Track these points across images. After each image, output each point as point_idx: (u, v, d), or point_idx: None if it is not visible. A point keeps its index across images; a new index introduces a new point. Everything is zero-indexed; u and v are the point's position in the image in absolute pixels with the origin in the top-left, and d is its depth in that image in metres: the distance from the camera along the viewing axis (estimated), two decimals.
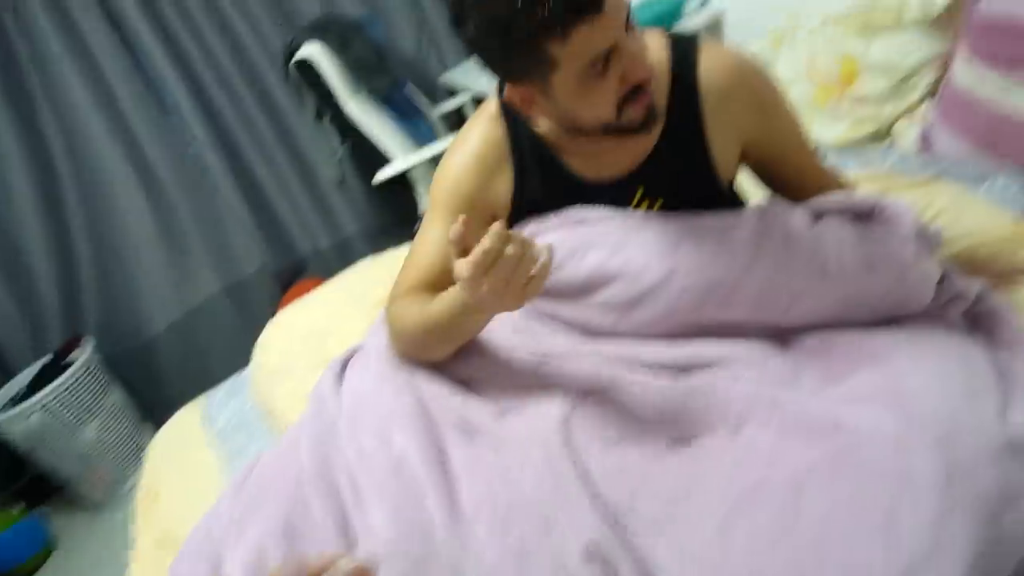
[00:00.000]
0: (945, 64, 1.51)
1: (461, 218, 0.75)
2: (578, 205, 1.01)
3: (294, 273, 3.29)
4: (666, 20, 2.21)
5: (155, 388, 2.88)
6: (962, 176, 1.39)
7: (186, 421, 1.65)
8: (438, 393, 0.98)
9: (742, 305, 0.92)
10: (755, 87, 0.98)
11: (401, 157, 2.56)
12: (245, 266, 3.12)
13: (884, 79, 1.55)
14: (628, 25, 0.81)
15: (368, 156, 2.68)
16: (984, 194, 1.33)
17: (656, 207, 1.03)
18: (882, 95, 1.56)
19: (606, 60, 0.80)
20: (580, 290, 0.97)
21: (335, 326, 1.65)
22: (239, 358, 1.78)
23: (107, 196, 2.72)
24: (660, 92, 0.93)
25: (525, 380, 0.96)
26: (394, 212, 3.29)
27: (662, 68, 0.94)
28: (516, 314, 1.02)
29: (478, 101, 3.02)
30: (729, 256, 0.92)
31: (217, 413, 1.62)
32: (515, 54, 0.80)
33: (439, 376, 1.00)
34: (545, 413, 0.89)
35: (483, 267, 0.73)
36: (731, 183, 1.08)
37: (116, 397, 2.64)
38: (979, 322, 0.99)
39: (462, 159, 1.01)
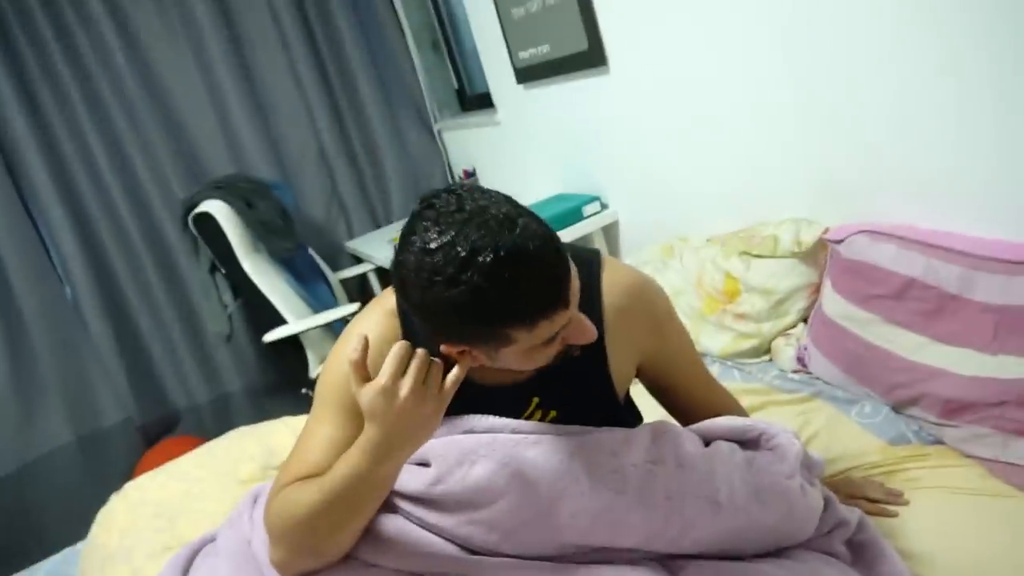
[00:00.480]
0: (816, 292, 1.65)
1: (363, 336, 0.77)
2: (468, 412, 0.97)
3: (164, 428, 3.04)
4: (568, 220, 2.35)
5: None
6: (834, 398, 1.47)
7: None
8: None
9: (632, 533, 0.89)
10: (652, 307, 1.02)
11: (295, 319, 2.48)
12: (106, 416, 2.85)
13: (762, 300, 1.67)
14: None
15: (261, 314, 2.59)
16: (856, 417, 1.40)
17: (549, 417, 1.01)
18: (760, 314, 1.68)
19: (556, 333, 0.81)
20: (464, 503, 0.91)
21: (190, 506, 1.49)
22: (82, 522, 1.56)
23: None
24: None
25: None
26: (282, 373, 3.15)
27: None
28: (389, 526, 0.94)
29: (381, 271, 3.05)
30: (621, 482, 0.89)
31: None
32: (471, 331, 0.78)
33: None
34: None
35: (402, 362, 0.76)
36: (626, 395, 1.09)
37: None
38: (860, 553, 1.01)
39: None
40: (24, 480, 2.62)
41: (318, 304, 2.68)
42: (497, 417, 0.95)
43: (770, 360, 1.70)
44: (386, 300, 0.99)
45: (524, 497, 0.88)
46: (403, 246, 0.76)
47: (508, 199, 0.77)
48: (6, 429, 2.59)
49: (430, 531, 0.93)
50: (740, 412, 1.14)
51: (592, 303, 0.95)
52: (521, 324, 0.76)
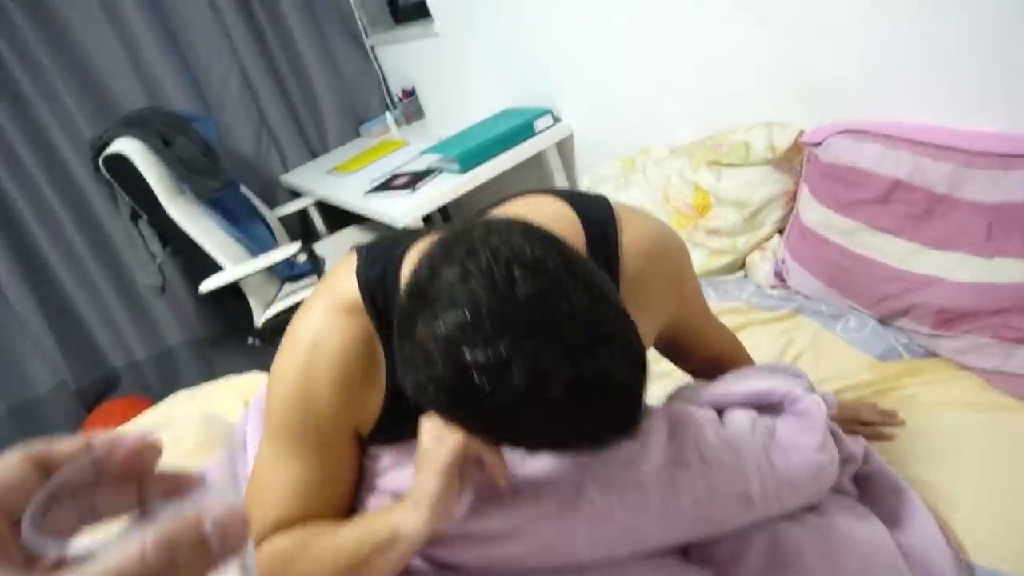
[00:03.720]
0: (792, 201, 1.54)
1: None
2: None
3: (104, 389, 2.85)
4: (518, 136, 2.18)
5: None
6: (818, 313, 1.39)
7: None
8: None
9: (655, 541, 0.78)
10: (675, 267, 0.88)
11: (232, 265, 2.29)
12: (38, 383, 2.65)
13: (735, 213, 1.56)
14: None
15: (195, 262, 2.39)
16: (841, 333, 1.33)
17: None
18: (734, 228, 1.57)
19: None
20: (463, 537, 0.76)
21: None
22: None
23: None
24: None
25: None
26: (225, 322, 2.96)
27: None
28: None
29: (322, 205, 2.84)
30: (642, 497, 0.76)
31: None
32: (482, 435, 0.62)
33: None
34: None
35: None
36: None
37: None
38: (867, 486, 0.95)
39: (320, 373, 0.74)
40: None
41: (256, 246, 2.48)
42: None
43: (745, 276, 1.60)
44: (339, 291, 0.76)
45: (530, 531, 0.74)
46: (423, 307, 0.55)
47: (566, 262, 0.55)
48: None
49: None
50: (743, 352, 1.06)
51: (609, 273, 0.78)
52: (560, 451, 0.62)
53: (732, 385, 0.90)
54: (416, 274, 0.57)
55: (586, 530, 0.74)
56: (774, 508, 0.80)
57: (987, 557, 0.86)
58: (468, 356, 0.51)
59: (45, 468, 0.30)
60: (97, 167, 2.32)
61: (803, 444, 0.83)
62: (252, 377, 1.61)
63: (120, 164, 2.23)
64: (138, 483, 0.32)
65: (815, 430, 0.83)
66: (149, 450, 0.32)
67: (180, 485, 0.33)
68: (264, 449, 0.79)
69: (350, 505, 0.82)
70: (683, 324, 0.93)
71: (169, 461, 0.33)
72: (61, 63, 2.57)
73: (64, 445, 0.31)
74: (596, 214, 0.81)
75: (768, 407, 0.89)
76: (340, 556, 0.71)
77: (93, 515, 0.31)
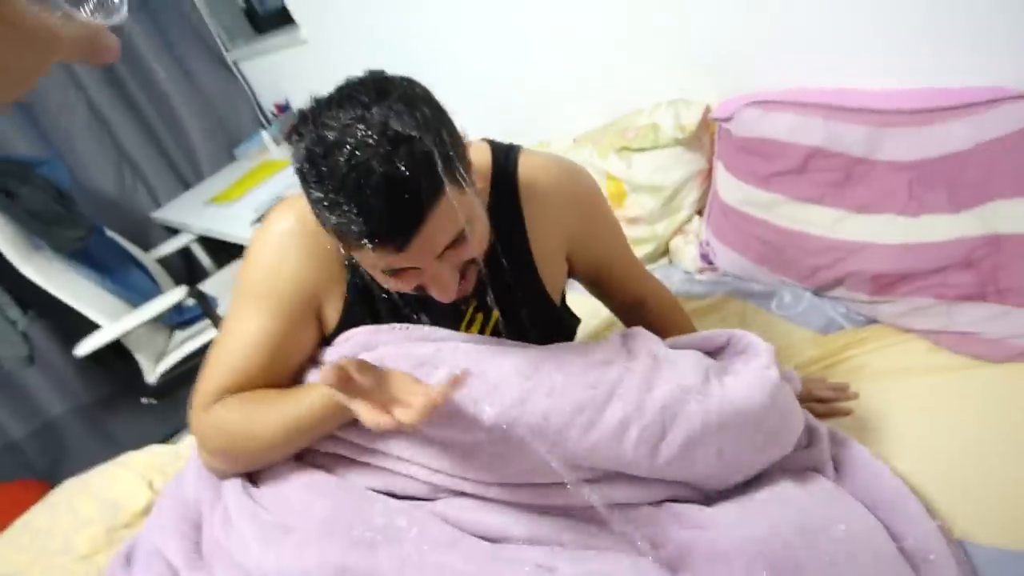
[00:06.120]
0: (707, 179, 1.50)
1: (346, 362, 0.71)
2: (407, 318, 0.92)
3: None
4: None
5: None
6: (750, 294, 1.35)
7: None
8: None
9: (607, 433, 0.78)
10: (575, 187, 0.98)
11: (109, 321, 2.04)
12: None
13: (651, 199, 1.50)
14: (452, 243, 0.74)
15: (66, 322, 2.12)
16: (777, 310, 1.29)
17: (493, 320, 0.96)
18: (652, 214, 1.51)
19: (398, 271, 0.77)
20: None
21: None
22: None
23: None
24: (481, 197, 0.87)
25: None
26: (113, 384, 2.67)
27: (483, 174, 0.92)
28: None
29: (205, 240, 2.60)
30: (595, 377, 0.81)
31: None
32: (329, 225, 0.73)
33: None
34: None
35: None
36: (563, 299, 1.08)
37: None
38: (838, 465, 0.92)
39: (280, 240, 0.88)
40: None
41: (135, 295, 2.23)
42: (453, 331, 0.89)
43: (670, 263, 1.55)
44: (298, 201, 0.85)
45: (490, 397, 0.77)
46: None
47: (419, 117, 0.70)
48: None
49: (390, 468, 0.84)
50: (678, 308, 1.13)
51: (509, 194, 0.93)
52: (347, 240, 0.71)
53: (678, 337, 0.98)
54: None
55: (540, 399, 0.78)
56: (731, 433, 0.80)
57: (972, 531, 0.83)
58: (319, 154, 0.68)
59: None
60: None
61: (752, 367, 0.87)
62: (152, 452, 1.41)
63: None
64: None
65: (760, 356, 0.88)
66: None
67: None
68: (232, 308, 0.90)
69: (295, 377, 0.91)
70: (599, 247, 1.03)
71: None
72: None
73: None
74: (504, 145, 0.96)
75: (716, 351, 0.95)
76: (270, 425, 0.84)
77: None
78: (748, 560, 0.73)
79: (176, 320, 2.33)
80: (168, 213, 2.72)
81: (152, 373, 2.16)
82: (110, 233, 2.41)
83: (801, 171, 1.25)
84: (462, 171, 0.73)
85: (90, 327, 2.05)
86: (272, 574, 0.77)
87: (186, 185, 2.92)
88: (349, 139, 0.67)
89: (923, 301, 1.10)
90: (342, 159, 0.66)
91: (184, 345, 2.21)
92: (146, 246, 2.59)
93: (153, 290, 2.34)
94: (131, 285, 2.27)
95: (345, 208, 0.67)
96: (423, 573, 0.73)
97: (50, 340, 2.50)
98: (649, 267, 1.56)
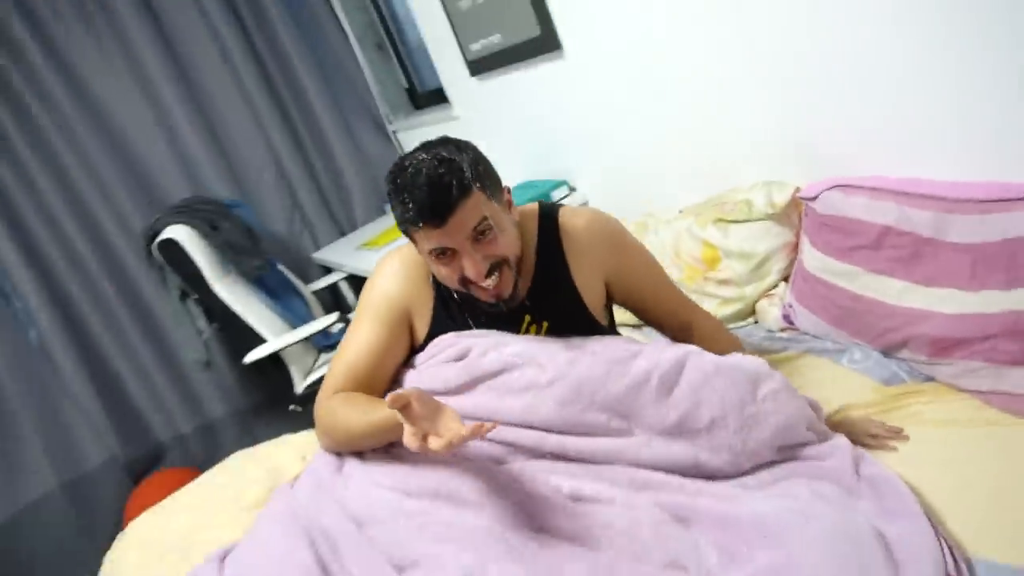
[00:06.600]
0: (794, 251, 1.69)
1: (406, 394, 0.93)
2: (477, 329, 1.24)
3: (150, 463, 2.97)
4: None
5: None
6: (824, 351, 1.51)
7: None
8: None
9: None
10: (603, 227, 1.29)
11: (273, 337, 2.45)
12: (89, 457, 2.77)
13: (742, 264, 1.70)
14: (480, 231, 1.09)
15: (238, 336, 2.55)
16: (847, 364, 1.44)
17: (544, 329, 1.27)
18: (742, 278, 1.71)
19: (443, 253, 1.10)
20: (499, 371, 1.14)
21: (200, 537, 1.45)
22: (80, 567, 1.51)
23: None
24: (530, 243, 1.25)
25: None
26: (266, 392, 3.10)
27: (533, 226, 1.27)
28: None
29: (353, 278, 3.01)
30: (626, 345, 1.19)
31: None
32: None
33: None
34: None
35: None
36: (611, 322, 1.38)
37: None
38: (870, 487, 1.05)
39: (384, 272, 1.28)
40: (12, 532, 2.53)
41: (295, 319, 2.64)
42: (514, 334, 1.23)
43: (756, 322, 1.73)
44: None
45: (549, 358, 1.13)
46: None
47: (463, 153, 1.10)
48: None
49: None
50: (724, 332, 1.38)
51: (552, 237, 1.26)
52: (409, 228, 1.09)
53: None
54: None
55: (587, 358, 1.13)
56: (727, 379, 1.12)
57: (985, 550, 0.95)
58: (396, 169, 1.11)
59: None
60: (149, 252, 2.52)
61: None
62: (305, 434, 1.73)
63: (171, 248, 2.43)
64: None
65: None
66: None
67: None
68: (351, 327, 1.26)
69: (392, 377, 1.26)
70: (635, 284, 1.32)
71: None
72: (110, 156, 2.82)
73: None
74: (549, 203, 1.32)
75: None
76: (353, 425, 1.16)
77: None
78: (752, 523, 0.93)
79: (323, 343, 2.71)
80: (325, 254, 3.18)
81: (300, 384, 2.53)
82: (280, 267, 2.88)
83: (876, 247, 1.42)
84: (491, 187, 1.10)
85: (255, 342, 2.46)
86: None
87: (342, 232, 3.39)
88: (413, 161, 1.07)
89: (975, 364, 1.23)
90: (407, 172, 1.06)
91: (327, 365, 2.58)
92: (306, 280, 3.05)
93: (308, 316, 2.76)
94: (293, 310, 2.69)
95: (403, 199, 1.05)
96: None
97: (221, 350, 2.96)
98: (735, 325, 1.75)
